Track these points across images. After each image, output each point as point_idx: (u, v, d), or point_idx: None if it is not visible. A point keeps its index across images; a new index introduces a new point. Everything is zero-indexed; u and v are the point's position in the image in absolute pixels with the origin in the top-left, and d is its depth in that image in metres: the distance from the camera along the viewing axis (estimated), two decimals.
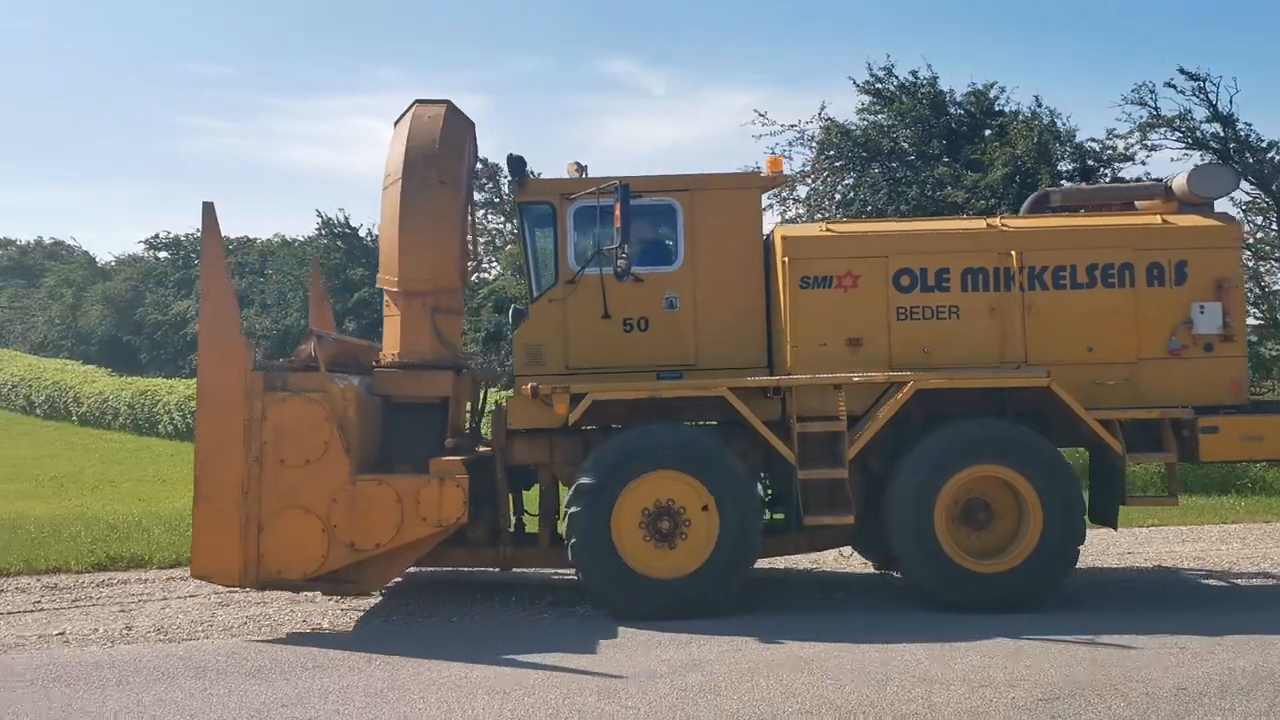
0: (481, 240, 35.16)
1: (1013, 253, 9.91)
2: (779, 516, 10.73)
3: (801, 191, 27.28)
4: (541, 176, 11.05)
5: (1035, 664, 7.75)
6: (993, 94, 26.65)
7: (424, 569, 11.06)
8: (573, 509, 9.44)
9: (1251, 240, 24.66)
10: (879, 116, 26.92)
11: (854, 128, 26.73)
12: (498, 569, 10.77)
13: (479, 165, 29.91)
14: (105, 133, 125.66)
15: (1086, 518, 9.78)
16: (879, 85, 26.99)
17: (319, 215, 43.67)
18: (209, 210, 9.21)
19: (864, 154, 26.53)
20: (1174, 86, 23.64)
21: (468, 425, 10.90)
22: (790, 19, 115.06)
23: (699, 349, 10.23)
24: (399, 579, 10.80)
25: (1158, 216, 10.28)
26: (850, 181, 26.95)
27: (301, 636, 9.12)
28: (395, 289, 10.32)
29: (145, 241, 58.77)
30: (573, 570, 9.96)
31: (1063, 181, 23.45)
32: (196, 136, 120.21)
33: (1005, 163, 23.90)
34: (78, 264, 63.83)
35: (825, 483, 9.70)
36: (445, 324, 10.36)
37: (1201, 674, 7.44)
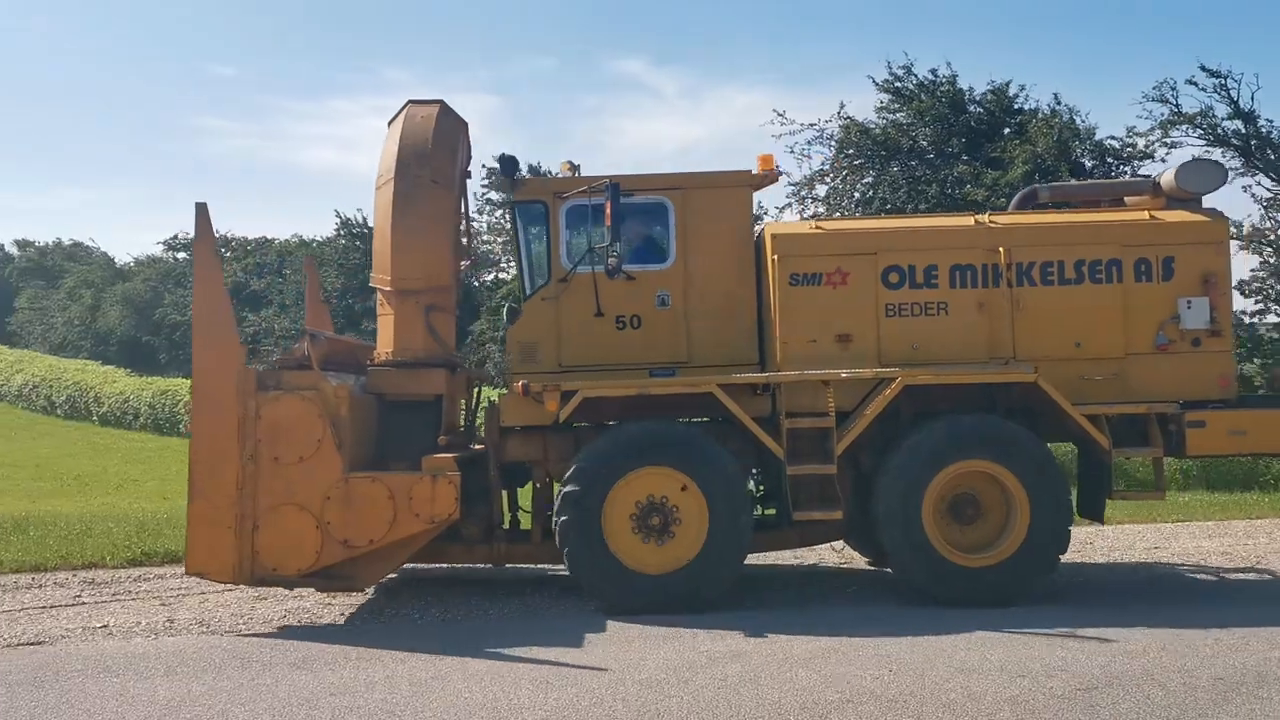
0: (499, 240, 35.33)
1: (1001, 249, 9.93)
2: (770, 512, 10.80)
3: (821, 190, 27.36)
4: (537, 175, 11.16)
5: (1071, 655, 7.76)
6: (1012, 92, 26.61)
7: (419, 565, 11.18)
8: (562, 506, 9.52)
9: (1273, 236, 24.42)
10: (898, 115, 26.94)
11: (873, 126, 26.76)
12: (491, 565, 10.89)
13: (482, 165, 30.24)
14: (125, 135, 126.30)
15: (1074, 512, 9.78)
16: (898, 84, 27.03)
17: (338, 216, 43.41)
18: (201, 210, 9.36)
19: (883, 152, 26.56)
20: (1195, 84, 23.60)
21: (462, 423, 11.01)
22: (800, 18, 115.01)
23: (691, 346, 10.30)
24: (393, 575, 10.92)
25: (1145, 212, 10.26)
26: (870, 180, 26.96)
27: (337, 630, 9.25)
28: (388, 288, 10.43)
29: (164, 242, 59.29)
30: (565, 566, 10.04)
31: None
32: (212, 138, 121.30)
33: (1025, 160, 23.82)
34: (96, 265, 63.85)
35: (815, 478, 9.74)
36: (439, 322, 10.45)
37: (1238, 664, 7.44)
